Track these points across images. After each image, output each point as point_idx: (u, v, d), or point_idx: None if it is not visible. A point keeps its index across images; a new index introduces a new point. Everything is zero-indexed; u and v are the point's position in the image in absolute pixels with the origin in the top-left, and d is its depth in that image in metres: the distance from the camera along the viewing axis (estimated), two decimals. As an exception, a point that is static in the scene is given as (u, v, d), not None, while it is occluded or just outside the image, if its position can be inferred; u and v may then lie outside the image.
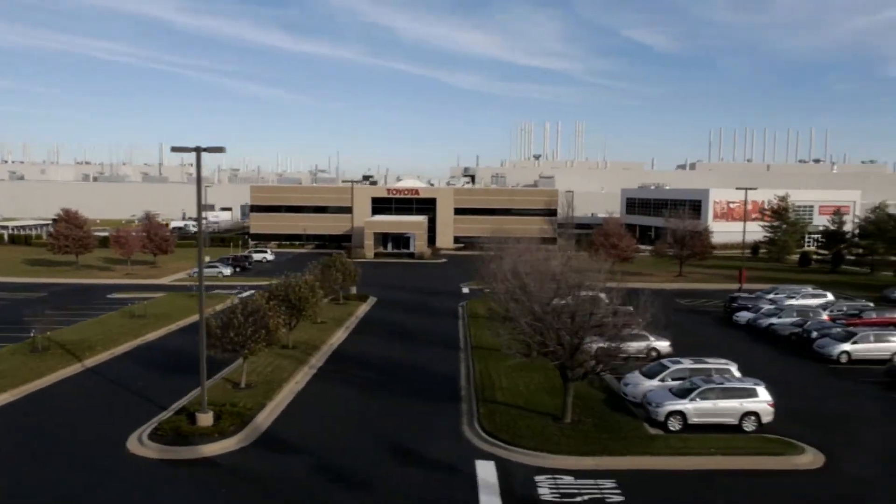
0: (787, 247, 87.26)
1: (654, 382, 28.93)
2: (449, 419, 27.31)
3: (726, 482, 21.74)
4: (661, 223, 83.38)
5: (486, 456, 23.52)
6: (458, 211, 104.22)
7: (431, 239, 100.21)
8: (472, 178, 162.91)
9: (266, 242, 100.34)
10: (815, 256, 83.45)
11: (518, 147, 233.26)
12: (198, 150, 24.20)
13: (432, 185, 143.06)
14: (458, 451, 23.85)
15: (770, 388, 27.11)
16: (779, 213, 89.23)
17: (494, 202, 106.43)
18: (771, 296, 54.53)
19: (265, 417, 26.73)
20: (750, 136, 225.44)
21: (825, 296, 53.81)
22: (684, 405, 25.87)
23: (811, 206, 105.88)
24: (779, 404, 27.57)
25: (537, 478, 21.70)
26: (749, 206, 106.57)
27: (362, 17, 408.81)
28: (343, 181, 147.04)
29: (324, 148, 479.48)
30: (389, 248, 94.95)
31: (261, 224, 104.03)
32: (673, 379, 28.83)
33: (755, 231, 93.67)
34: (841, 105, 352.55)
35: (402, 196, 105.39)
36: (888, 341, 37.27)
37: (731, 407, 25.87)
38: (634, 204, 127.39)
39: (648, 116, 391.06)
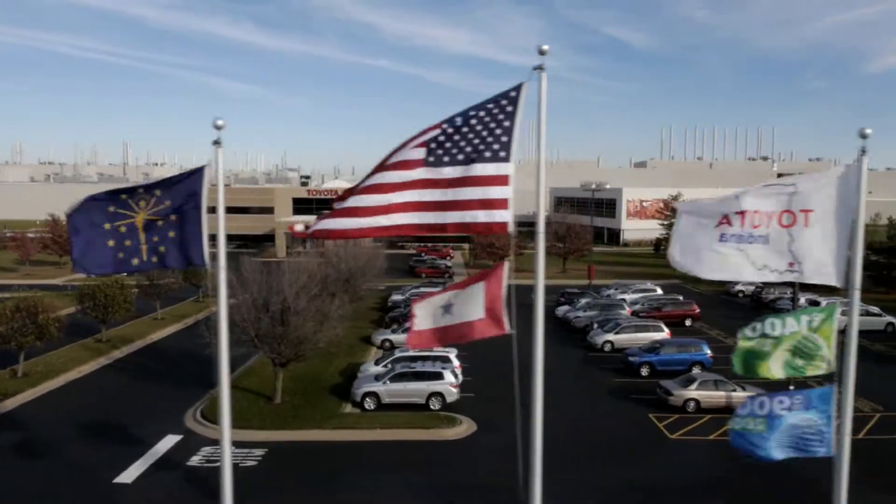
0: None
1: (378, 368, 32.50)
2: (187, 403, 30.71)
3: (370, 451, 25.31)
4: (585, 221, 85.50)
5: (182, 432, 27.07)
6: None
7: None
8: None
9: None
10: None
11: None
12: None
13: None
14: (161, 429, 27.26)
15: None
16: (673, 211, 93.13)
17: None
18: (610, 291, 58.38)
19: (13, 402, 30.20)
20: (701, 134, 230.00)
21: (655, 290, 57.71)
22: (377, 387, 29.48)
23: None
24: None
25: (203, 448, 25.28)
26: (661, 205, 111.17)
27: (339, 13, 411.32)
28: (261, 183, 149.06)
29: (291, 146, 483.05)
30: (308, 248, 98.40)
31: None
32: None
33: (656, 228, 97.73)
34: (812, 103, 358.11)
35: (322, 197, 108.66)
36: (647, 332, 41.02)
37: (418, 389, 29.47)
38: (562, 202, 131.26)
39: (607, 113, 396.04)
